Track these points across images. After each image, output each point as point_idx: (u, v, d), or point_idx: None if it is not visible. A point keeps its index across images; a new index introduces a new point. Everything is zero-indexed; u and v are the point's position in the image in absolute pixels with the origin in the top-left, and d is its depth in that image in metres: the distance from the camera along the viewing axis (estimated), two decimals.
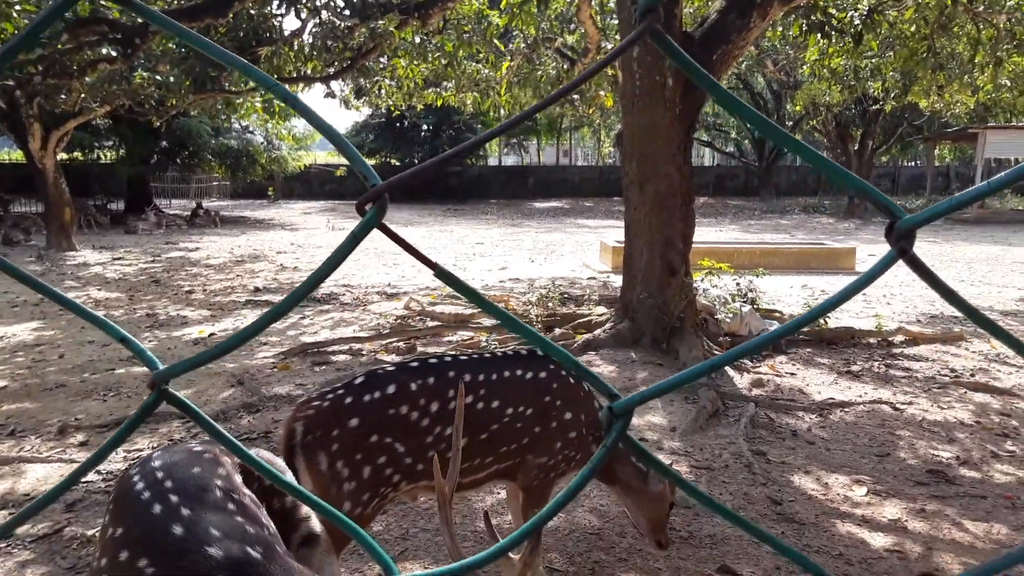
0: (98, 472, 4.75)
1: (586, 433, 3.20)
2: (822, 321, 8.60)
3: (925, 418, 5.89)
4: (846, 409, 6.09)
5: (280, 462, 2.07)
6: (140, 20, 6.35)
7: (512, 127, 0.61)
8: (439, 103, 13.84)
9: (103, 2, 7.84)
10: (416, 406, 2.81)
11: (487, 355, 3.22)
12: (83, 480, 4.63)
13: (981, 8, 9.85)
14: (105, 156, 29.65)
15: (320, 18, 8.98)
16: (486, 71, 12.39)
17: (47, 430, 5.45)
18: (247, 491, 1.78)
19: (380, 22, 8.24)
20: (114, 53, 6.66)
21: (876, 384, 6.82)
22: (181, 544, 1.55)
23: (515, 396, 3.04)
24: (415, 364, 2.99)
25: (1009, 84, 13.69)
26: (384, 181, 0.53)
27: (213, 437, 0.62)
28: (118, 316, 9.74)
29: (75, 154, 28.44)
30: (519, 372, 3.10)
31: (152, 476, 1.71)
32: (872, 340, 8.32)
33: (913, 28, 10.44)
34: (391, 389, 2.81)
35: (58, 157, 16.62)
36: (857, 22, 8.10)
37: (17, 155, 27.30)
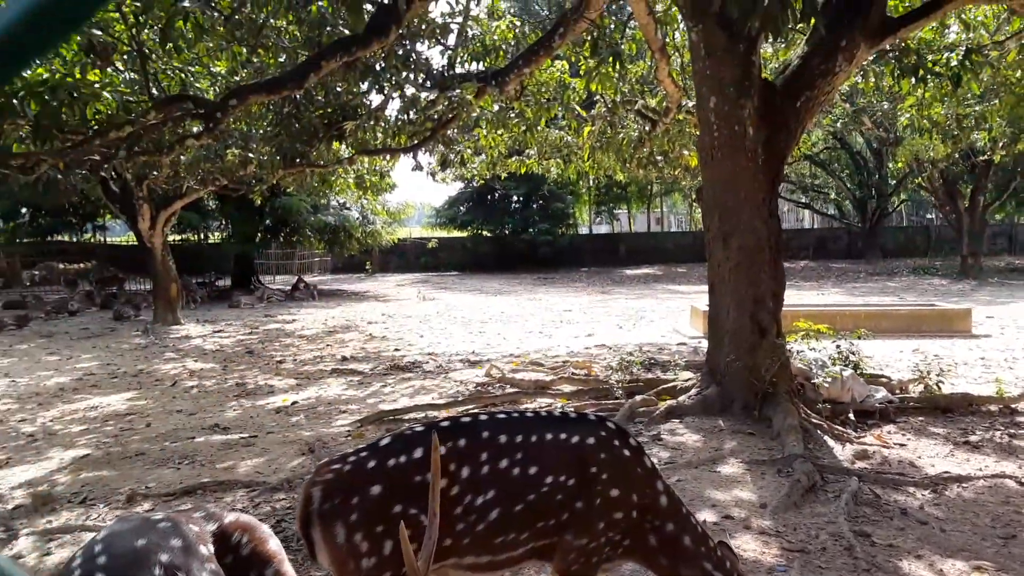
0: None
1: (638, 517, 2.71)
2: (935, 387, 7.86)
3: None
4: (964, 484, 5.41)
5: (263, 529, 1.86)
6: (220, 96, 6.67)
7: None
8: (523, 171, 13.93)
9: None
10: (444, 472, 2.48)
11: (528, 414, 2.88)
12: None
13: None
14: (215, 236, 31.43)
15: (402, 91, 9.23)
16: (568, 137, 12.38)
17: (117, 498, 5.46)
18: (209, 565, 1.59)
19: (457, 91, 8.38)
20: (198, 129, 6.99)
21: (998, 456, 6.07)
22: None
23: (556, 463, 2.64)
24: (446, 424, 2.68)
25: None
26: None
27: None
28: (209, 386, 9.98)
29: (187, 235, 30.26)
30: (563, 436, 2.69)
31: (90, 552, 1.57)
32: (993, 407, 7.51)
33: (1019, 73, 9.77)
34: (418, 453, 2.51)
35: (167, 237, 17.61)
36: (954, 63, 7.61)
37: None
